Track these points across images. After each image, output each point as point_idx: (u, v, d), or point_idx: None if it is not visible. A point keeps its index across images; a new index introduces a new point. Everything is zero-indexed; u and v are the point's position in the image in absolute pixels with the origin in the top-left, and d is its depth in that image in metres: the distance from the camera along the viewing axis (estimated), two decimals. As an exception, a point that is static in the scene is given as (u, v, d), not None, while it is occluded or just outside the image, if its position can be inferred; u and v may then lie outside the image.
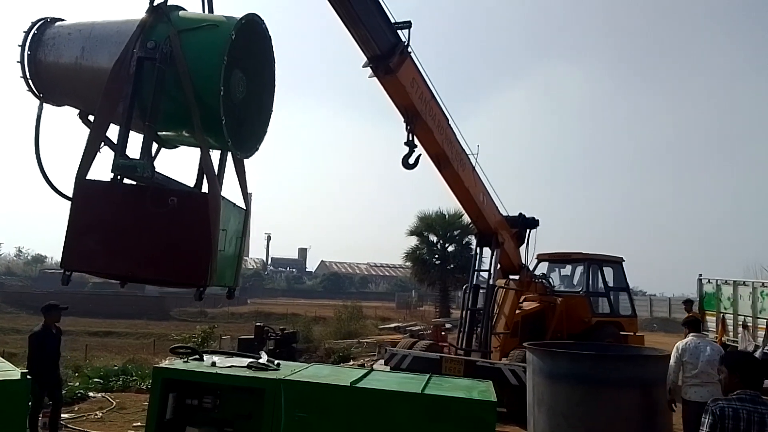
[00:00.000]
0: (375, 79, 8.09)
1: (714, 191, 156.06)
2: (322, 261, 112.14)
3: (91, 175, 3.88)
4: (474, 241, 33.42)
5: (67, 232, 3.78)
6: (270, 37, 4.37)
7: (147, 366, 13.61)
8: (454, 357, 10.65)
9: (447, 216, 33.69)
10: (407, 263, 37.02)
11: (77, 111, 4.31)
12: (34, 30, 4.11)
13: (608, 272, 13.73)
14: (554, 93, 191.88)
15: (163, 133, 4.14)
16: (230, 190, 4.55)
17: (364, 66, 7.97)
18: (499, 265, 11.67)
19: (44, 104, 4.24)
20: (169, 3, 4.00)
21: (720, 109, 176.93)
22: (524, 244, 12.44)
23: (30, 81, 4.11)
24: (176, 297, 51.33)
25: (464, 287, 12.06)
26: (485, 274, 11.53)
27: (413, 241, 34.62)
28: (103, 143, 3.88)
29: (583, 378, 6.44)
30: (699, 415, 4.04)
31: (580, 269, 13.97)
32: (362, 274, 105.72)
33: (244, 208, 4.57)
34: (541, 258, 13.67)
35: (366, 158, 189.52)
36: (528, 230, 12.40)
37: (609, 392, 6.41)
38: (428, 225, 34.13)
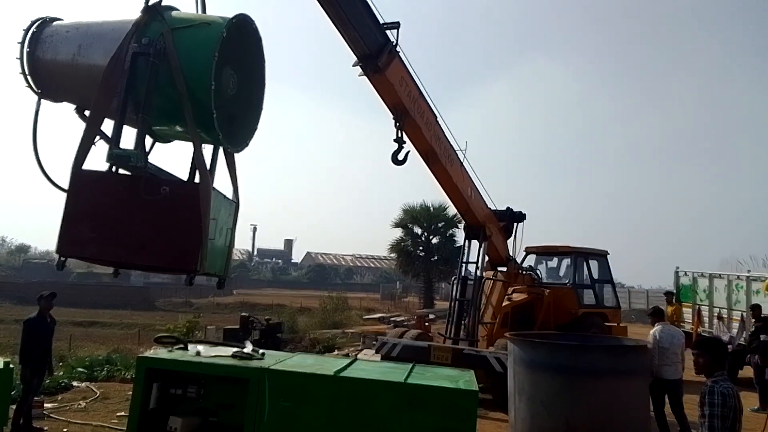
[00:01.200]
0: (364, 77, 8.21)
1: (692, 186, 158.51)
2: (307, 252, 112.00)
3: (86, 166, 3.98)
4: (458, 234, 33.28)
5: (62, 219, 3.88)
6: (260, 37, 4.46)
7: (131, 356, 13.57)
8: (442, 345, 10.88)
9: (431, 208, 33.84)
10: (392, 255, 37.13)
11: (74, 106, 4.38)
12: (33, 28, 4.24)
13: (593, 265, 13.99)
14: (537, 89, 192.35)
15: (157, 127, 4.23)
16: (221, 184, 4.65)
17: (353, 65, 8.11)
18: (487, 258, 11.92)
19: (42, 100, 4.35)
20: (163, 3, 4.12)
21: (700, 106, 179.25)
22: (512, 237, 12.71)
23: (29, 78, 4.23)
24: (161, 287, 51.17)
25: (452, 279, 12.29)
26: (473, 266, 11.74)
27: (398, 233, 34.79)
28: (98, 136, 3.96)
29: (563, 368, 6.55)
30: (672, 390, 5.93)
31: (565, 262, 14.27)
32: (347, 265, 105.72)
33: (235, 201, 4.67)
34: (529, 251, 13.94)
35: (352, 150, 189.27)
36: (515, 224, 12.67)
37: (588, 382, 6.52)
38: (413, 217, 34.24)
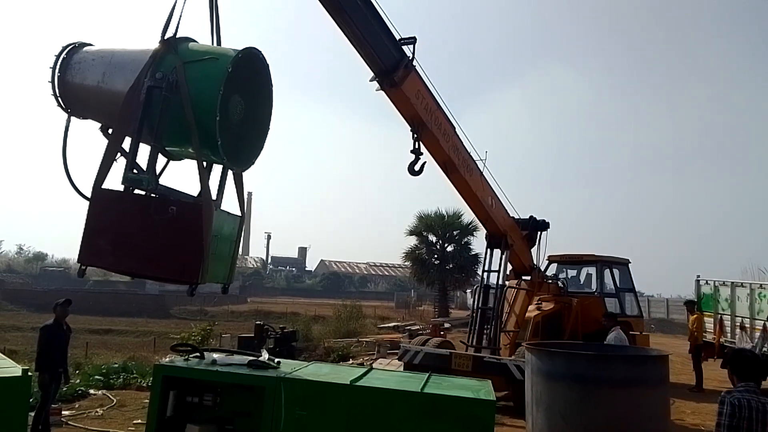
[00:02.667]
0: (381, 91, 8.37)
1: (712, 193, 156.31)
2: (321, 260, 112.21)
3: (106, 181, 4.36)
4: (474, 242, 33.04)
5: (83, 232, 4.24)
6: (268, 66, 4.79)
7: (147, 364, 13.67)
8: (463, 353, 10.97)
9: (446, 216, 33.74)
10: (406, 263, 37.06)
11: (98, 125, 4.78)
12: (63, 54, 4.64)
13: (616, 273, 14.02)
14: (549, 95, 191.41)
15: (169, 148, 4.65)
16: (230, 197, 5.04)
17: (371, 80, 8.29)
18: (510, 266, 12.00)
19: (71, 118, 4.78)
20: (178, 35, 4.50)
21: (718, 110, 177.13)
22: (535, 246, 12.74)
23: (59, 99, 4.67)
24: (176, 295, 51.53)
25: (475, 287, 12.38)
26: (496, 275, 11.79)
27: (412, 240, 34.72)
28: (119, 154, 4.38)
29: (580, 378, 6.47)
30: None
31: (586, 270, 14.34)
32: (362, 273, 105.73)
33: (239, 215, 5.00)
34: (551, 259, 13.95)
35: (366, 158, 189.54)
36: (539, 232, 12.71)
37: (606, 392, 6.44)
38: (427, 225, 34.16)
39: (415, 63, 8.47)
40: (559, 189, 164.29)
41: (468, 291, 45.97)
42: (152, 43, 4.43)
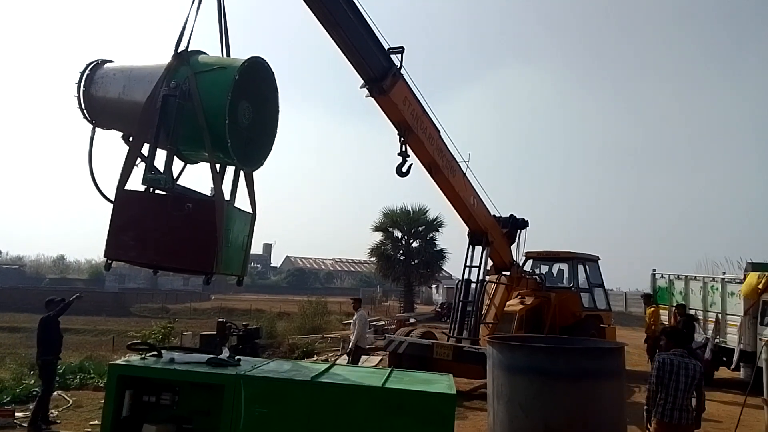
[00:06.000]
0: (363, 94, 8.77)
1: (669, 190, 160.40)
2: (287, 256, 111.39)
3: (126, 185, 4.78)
4: (439, 237, 33.61)
5: (109, 229, 4.62)
6: (273, 73, 5.20)
7: (105, 363, 13.28)
8: (444, 343, 11.45)
9: (411, 212, 34.00)
10: (372, 259, 37.15)
11: (120, 134, 5.14)
12: (87, 71, 5.04)
13: (588, 269, 14.65)
14: (512, 95, 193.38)
15: (186, 152, 5.05)
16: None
17: (360, 87, 8.72)
18: (491, 262, 12.64)
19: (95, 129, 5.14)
20: (190, 49, 4.92)
21: (675, 111, 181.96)
22: (515, 243, 13.35)
23: (85, 111, 5.05)
24: (136, 293, 50.49)
25: (457, 282, 12.96)
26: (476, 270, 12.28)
27: (378, 236, 34.87)
28: (139, 159, 4.75)
29: (540, 370, 6.58)
30: (362, 354, 7.23)
31: (558, 266, 14.99)
32: (327, 269, 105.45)
33: (251, 212, 5.38)
34: (529, 256, 14.48)
35: (332, 153, 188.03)
36: (519, 230, 13.31)
37: (566, 384, 6.55)
38: (393, 221, 34.34)
39: (402, 71, 8.90)
40: (522, 185, 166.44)
41: (433, 286, 46.40)
42: (167, 58, 4.86)
